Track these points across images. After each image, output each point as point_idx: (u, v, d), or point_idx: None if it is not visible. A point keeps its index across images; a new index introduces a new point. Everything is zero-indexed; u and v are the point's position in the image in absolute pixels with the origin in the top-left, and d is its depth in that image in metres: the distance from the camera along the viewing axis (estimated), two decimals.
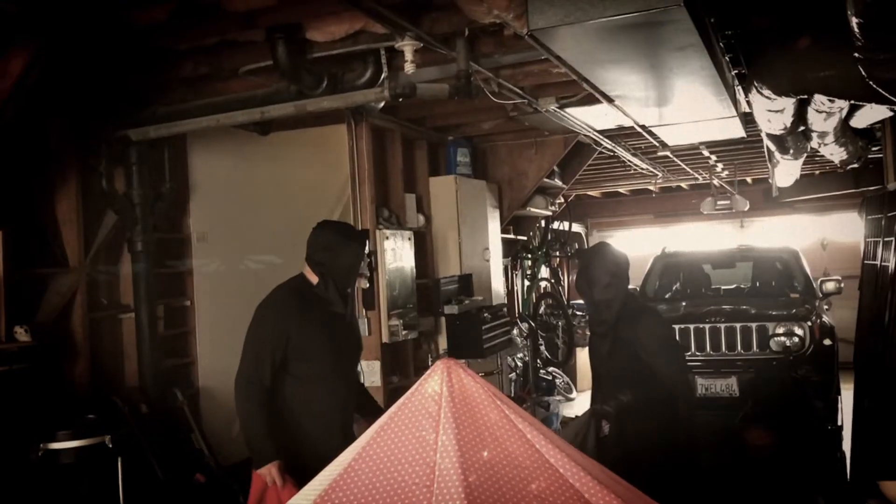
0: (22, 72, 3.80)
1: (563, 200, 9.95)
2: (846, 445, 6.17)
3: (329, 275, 3.41)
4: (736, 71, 4.76)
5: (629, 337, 3.48)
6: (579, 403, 9.54)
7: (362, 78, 4.55)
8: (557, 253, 11.76)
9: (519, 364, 8.86)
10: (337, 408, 3.40)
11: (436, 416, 1.83)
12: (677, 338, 6.87)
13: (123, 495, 4.23)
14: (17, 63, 3.78)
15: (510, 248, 8.99)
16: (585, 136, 7.01)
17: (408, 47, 4.03)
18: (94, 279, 5.23)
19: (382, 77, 4.48)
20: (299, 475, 3.19)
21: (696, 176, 10.86)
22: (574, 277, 12.81)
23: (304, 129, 6.16)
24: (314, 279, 3.45)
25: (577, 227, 13.03)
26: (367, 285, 3.65)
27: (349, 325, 3.61)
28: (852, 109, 5.18)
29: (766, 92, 4.28)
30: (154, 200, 5.27)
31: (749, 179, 12.31)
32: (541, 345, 9.39)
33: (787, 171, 8.75)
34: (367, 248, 3.56)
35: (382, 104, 5.28)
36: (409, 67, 4.09)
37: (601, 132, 6.91)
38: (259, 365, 3.28)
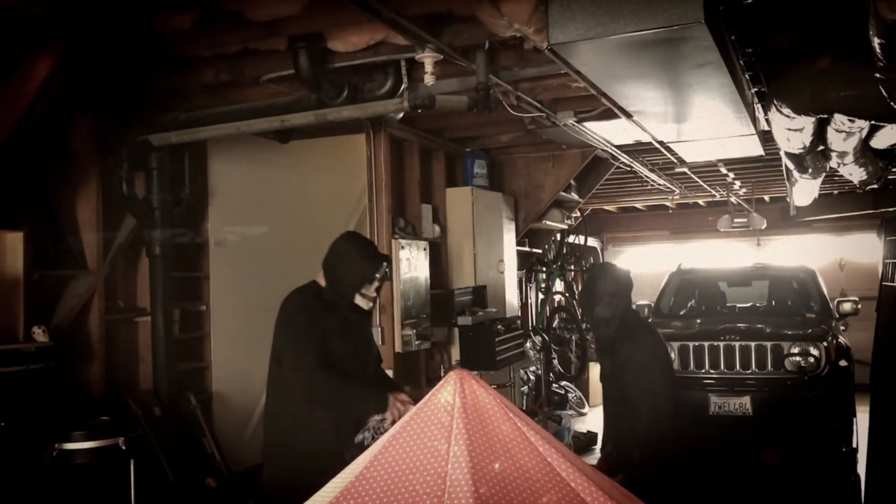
0: (47, 75, 3.84)
1: (579, 214, 9.94)
2: (861, 468, 6.10)
3: (331, 283, 3.47)
4: (755, 89, 4.75)
5: (625, 355, 3.52)
6: (591, 418, 9.50)
7: (382, 88, 4.58)
8: (572, 267, 11.73)
9: (531, 377, 8.84)
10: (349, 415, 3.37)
11: (448, 427, 1.83)
12: (673, 355, 6.83)
13: (135, 497, 4.25)
14: (42, 66, 3.83)
15: (525, 261, 8.99)
16: (603, 150, 7.01)
17: (428, 59, 4.06)
18: (112, 282, 5.27)
19: (402, 88, 4.51)
20: (305, 483, 3.20)
21: (714, 193, 10.82)
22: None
23: (323, 137, 6.20)
24: (324, 284, 3.50)
25: (592, 242, 13.00)
26: (371, 306, 3.62)
27: (364, 333, 3.63)
28: (872, 130, 5.16)
29: (786, 110, 4.27)
30: (173, 205, 5.32)
31: (766, 198, 12.25)
32: (554, 358, 9.36)
33: (805, 191, 8.71)
34: (381, 272, 3.52)
35: (401, 115, 5.31)
36: (428, 79, 4.12)
37: (619, 147, 6.91)
38: (315, 359, 3.28)
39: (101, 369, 4.97)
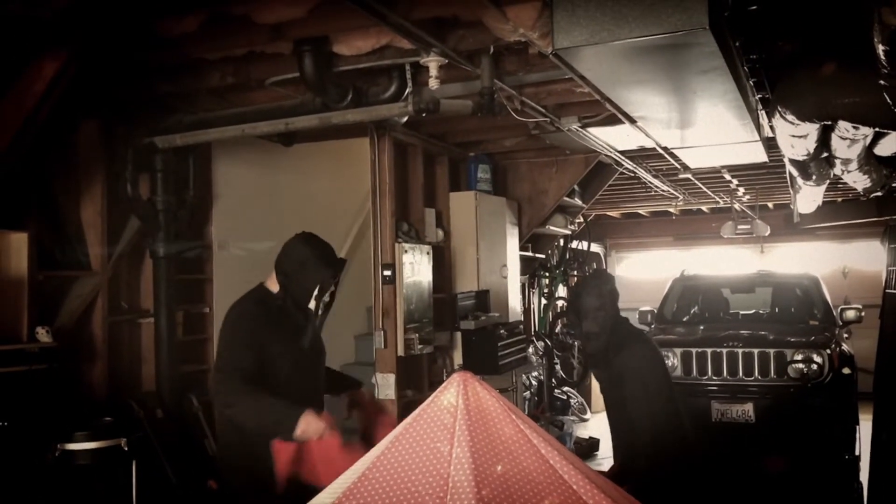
0: (54, 77, 3.86)
1: (582, 220, 9.94)
2: (864, 476, 6.09)
3: (286, 288, 3.34)
4: (760, 95, 4.76)
5: (618, 367, 3.52)
6: (593, 424, 9.49)
7: (387, 92, 4.59)
8: (575, 272, 11.73)
9: (533, 382, 8.84)
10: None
11: (451, 429, 1.83)
12: (675, 362, 6.83)
13: (137, 498, 4.25)
14: (49, 68, 3.85)
15: (528, 266, 8.99)
16: (607, 156, 7.02)
17: (433, 63, 4.07)
18: (116, 283, 5.29)
19: (407, 92, 4.52)
20: (256, 490, 3.14)
21: (717, 199, 10.82)
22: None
23: (327, 141, 6.22)
24: (275, 289, 3.37)
25: (595, 248, 13.00)
26: (321, 312, 3.48)
27: (313, 335, 3.50)
28: (877, 137, 5.15)
29: (790, 117, 4.27)
30: (177, 208, 5.33)
31: (770, 204, 12.24)
32: (556, 364, 9.36)
33: (809, 198, 8.70)
34: (337, 278, 3.44)
35: (405, 119, 5.32)
36: (433, 83, 4.13)
37: (622, 153, 6.92)
38: (238, 370, 3.16)
39: (104, 370, 4.98)
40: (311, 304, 3.39)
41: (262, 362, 3.21)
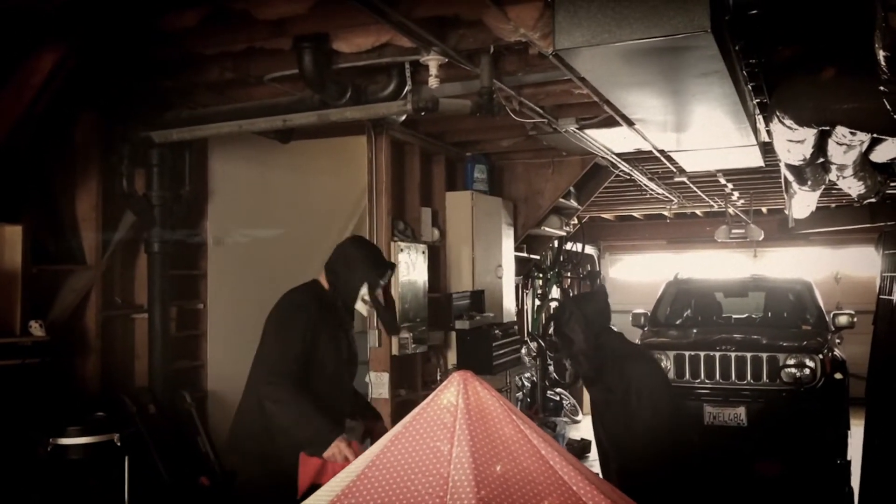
0: (52, 69, 3.84)
1: (577, 222, 9.95)
2: (854, 481, 6.11)
3: (335, 286, 3.46)
4: (758, 100, 4.77)
5: (621, 387, 3.51)
6: (585, 426, 9.49)
7: (386, 90, 4.58)
8: (569, 274, 11.74)
9: (526, 384, 8.83)
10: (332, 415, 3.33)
11: (451, 428, 1.82)
12: (668, 365, 6.84)
13: (129, 494, 4.23)
14: (47, 61, 3.83)
15: (522, 267, 8.99)
16: (603, 158, 7.03)
17: (433, 62, 4.06)
18: (110, 278, 5.26)
19: (406, 90, 4.51)
20: (281, 485, 3.17)
21: (712, 203, 10.85)
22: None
23: (325, 139, 6.20)
24: (326, 286, 3.49)
25: (589, 249, 13.01)
26: (365, 314, 3.64)
27: (351, 339, 3.63)
28: (873, 143, 5.17)
29: (788, 122, 4.28)
30: (173, 203, 5.31)
31: (764, 209, 12.28)
32: (549, 365, 9.35)
33: (803, 203, 8.73)
34: (387, 279, 3.55)
35: (404, 117, 5.31)
36: (432, 82, 4.12)
37: (619, 155, 6.93)
38: (288, 363, 3.25)
39: (97, 365, 4.96)
40: (360, 306, 3.49)
41: (309, 357, 3.30)
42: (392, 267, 3.64)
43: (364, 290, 3.45)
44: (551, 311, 10.37)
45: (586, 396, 10.19)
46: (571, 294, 11.33)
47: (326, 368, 3.37)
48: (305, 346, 3.29)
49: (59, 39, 3.79)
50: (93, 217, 4.98)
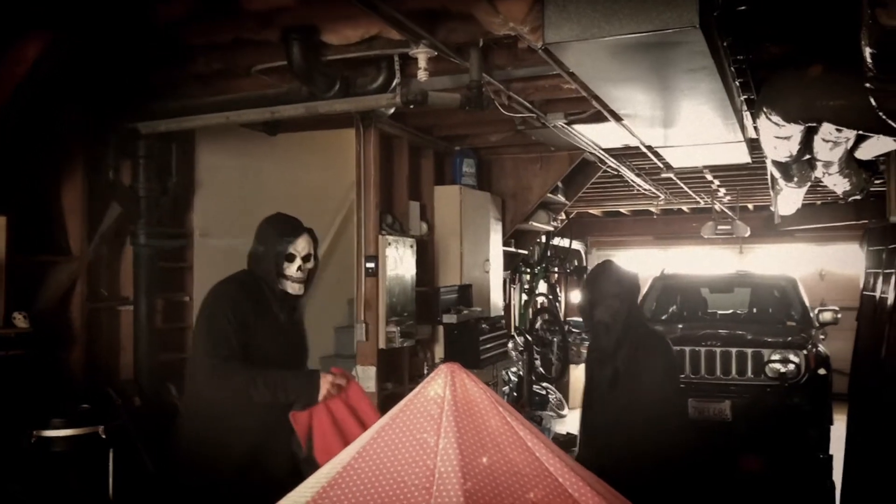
0: (37, 58, 3.80)
1: (564, 217, 9.98)
2: (836, 475, 6.17)
3: (252, 268, 3.28)
4: (745, 96, 4.79)
5: (633, 368, 3.20)
6: (571, 420, 9.53)
7: (374, 83, 4.57)
8: (556, 269, 11.77)
9: (513, 378, 8.86)
10: (273, 412, 3.14)
11: (438, 420, 1.82)
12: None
13: (113, 487, 4.22)
14: (33, 49, 3.79)
15: (510, 262, 9.00)
16: (591, 153, 7.04)
17: (422, 55, 4.05)
18: (95, 270, 5.23)
19: (395, 83, 4.50)
20: (228, 485, 3.07)
21: (698, 199, 10.90)
22: (571, 294, 12.84)
23: (312, 131, 6.18)
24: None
25: (576, 245, 13.05)
26: (301, 292, 3.31)
27: (297, 326, 3.42)
28: (858, 140, 5.22)
29: (775, 118, 4.31)
30: (159, 195, 5.28)
31: (750, 206, 12.35)
32: (536, 359, 9.39)
33: (789, 199, 8.79)
34: (300, 247, 3.25)
35: (392, 110, 5.30)
36: (421, 75, 4.11)
37: (607, 151, 6.94)
38: (230, 347, 3.06)
39: (82, 357, 4.93)
40: (287, 286, 3.25)
41: (248, 343, 3.14)
42: (305, 231, 3.31)
43: (279, 265, 3.22)
44: (538, 306, 10.41)
45: (572, 391, 10.24)
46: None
47: (269, 356, 3.19)
48: (237, 330, 3.09)
49: (44, 28, 3.75)
50: (78, 208, 4.94)
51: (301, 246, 3.27)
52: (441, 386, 1.89)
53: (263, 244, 3.27)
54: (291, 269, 3.26)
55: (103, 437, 4.19)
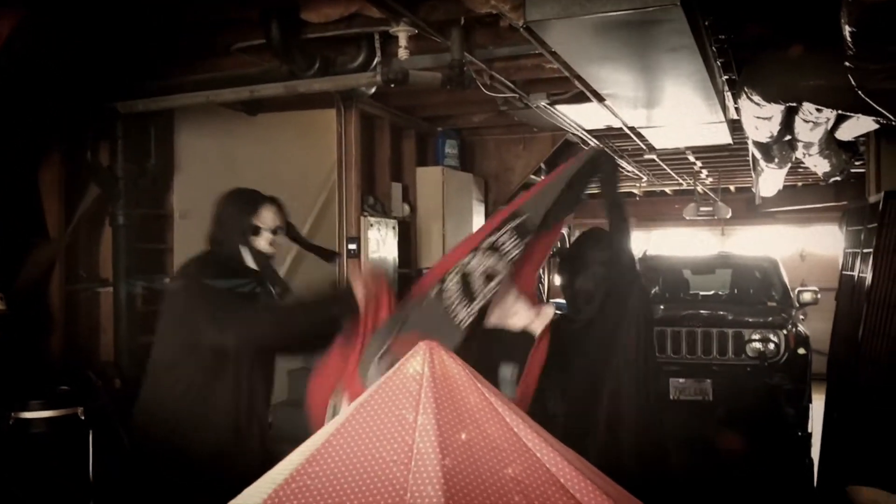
0: (9, 35, 3.74)
1: None
2: (814, 452, 6.25)
3: (213, 249, 2.98)
4: (727, 77, 4.79)
5: (609, 320, 2.83)
6: None
7: (355, 62, 4.53)
8: None
9: None
10: (247, 396, 2.93)
11: (416, 396, 1.82)
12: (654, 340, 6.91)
13: (93, 468, 4.19)
14: (4, 27, 3.72)
15: None
16: (574, 134, 7.03)
17: (402, 33, 4.02)
18: (74, 251, 5.17)
19: (375, 62, 4.47)
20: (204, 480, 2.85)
21: (681, 181, 10.93)
22: (554, 277, 12.83)
23: (293, 112, 6.13)
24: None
25: None
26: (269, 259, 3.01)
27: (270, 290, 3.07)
28: (839, 121, 5.24)
29: (756, 98, 4.31)
30: (138, 176, 5.22)
31: (732, 188, 12.42)
32: None
33: (770, 181, 8.83)
34: (265, 218, 2.95)
35: (373, 90, 5.27)
36: (402, 53, 4.08)
37: (589, 132, 6.94)
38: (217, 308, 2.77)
39: (61, 339, 4.89)
40: (251, 263, 2.94)
41: None
42: (267, 200, 3.00)
43: (243, 239, 2.92)
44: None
45: None
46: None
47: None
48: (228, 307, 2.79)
49: (17, 4, 3.68)
50: (55, 189, 4.88)
51: (266, 216, 2.97)
52: (420, 363, 1.89)
53: (224, 223, 2.98)
54: (262, 244, 2.95)
55: (82, 418, 4.15)
